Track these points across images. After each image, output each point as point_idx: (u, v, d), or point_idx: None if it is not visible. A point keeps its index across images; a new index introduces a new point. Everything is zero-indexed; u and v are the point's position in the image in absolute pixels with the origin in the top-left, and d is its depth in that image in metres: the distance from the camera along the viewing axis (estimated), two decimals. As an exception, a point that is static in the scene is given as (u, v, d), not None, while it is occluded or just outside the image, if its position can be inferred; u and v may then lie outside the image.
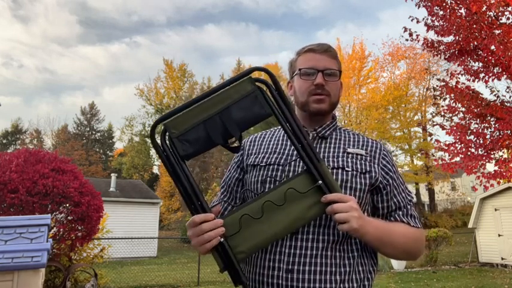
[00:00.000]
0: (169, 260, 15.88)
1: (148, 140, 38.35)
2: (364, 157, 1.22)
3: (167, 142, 1.02)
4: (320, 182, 1.02)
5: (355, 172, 1.18)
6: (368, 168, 1.20)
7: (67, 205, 6.49)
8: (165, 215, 28.73)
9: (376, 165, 1.22)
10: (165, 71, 35.84)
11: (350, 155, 1.22)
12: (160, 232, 23.26)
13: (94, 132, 41.97)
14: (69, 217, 6.55)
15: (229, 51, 64.23)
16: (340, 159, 1.20)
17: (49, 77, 62.34)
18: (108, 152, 42.85)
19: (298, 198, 1.02)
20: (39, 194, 6.20)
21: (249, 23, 65.59)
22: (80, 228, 6.61)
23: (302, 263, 1.08)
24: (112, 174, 19.91)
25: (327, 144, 1.25)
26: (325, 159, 1.20)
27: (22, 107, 61.00)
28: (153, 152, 39.30)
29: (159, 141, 1.02)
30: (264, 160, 1.25)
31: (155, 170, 39.40)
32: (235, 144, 1.05)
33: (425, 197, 29.52)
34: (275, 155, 1.25)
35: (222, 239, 0.98)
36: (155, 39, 61.20)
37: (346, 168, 1.18)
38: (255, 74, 1.11)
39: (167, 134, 1.02)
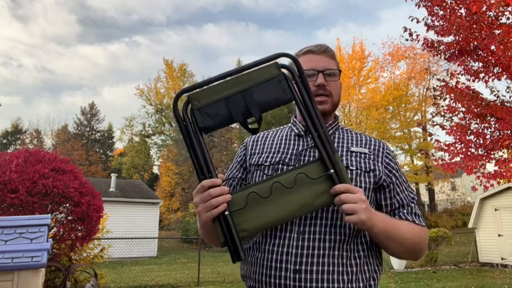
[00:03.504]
0: (169, 260, 15.88)
1: (148, 140, 38.50)
2: (367, 155, 1.22)
3: (188, 113, 1.05)
4: (332, 170, 1.02)
5: (359, 171, 1.18)
6: (372, 167, 1.20)
7: (67, 205, 6.48)
8: (165, 215, 28.74)
9: (379, 164, 1.22)
10: (165, 71, 35.86)
11: (354, 154, 1.22)
12: (160, 232, 23.28)
13: (94, 132, 41.96)
14: (69, 217, 6.54)
15: (229, 51, 64.29)
16: (344, 158, 1.20)
17: (48, 76, 62.40)
18: (108, 152, 42.84)
19: (308, 184, 1.02)
20: (39, 194, 6.19)
21: (248, 22, 65.64)
22: (80, 228, 6.60)
23: (310, 263, 1.07)
24: (112, 174, 19.91)
25: None
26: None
27: (22, 106, 61.07)
28: (153, 152, 39.38)
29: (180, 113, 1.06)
30: (268, 159, 1.24)
31: (155, 170, 39.43)
32: (255, 126, 1.07)
33: (425, 197, 29.53)
34: (279, 154, 1.25)
35: (227, 212, 0.98)
36: (155, 39, 61.25)
37: (351, 167, 1.18)
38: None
39: (189, 105, 1.05)
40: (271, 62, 1.07)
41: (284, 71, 1.08)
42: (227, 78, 1.06)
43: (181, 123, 1.04)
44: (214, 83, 1.06)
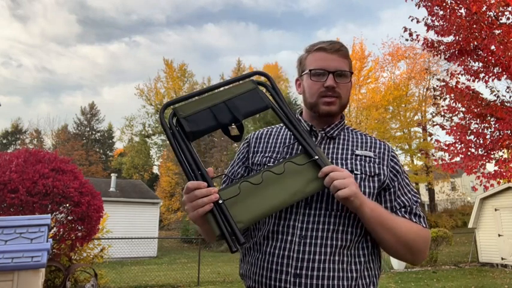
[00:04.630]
0: (169, 260, 15.89)
1: (148, 140, 38.48)
2: (372, 159, 1.21)
3: (174, 122, 1.09)
4: (316, 157, 1.08)
5: (363, 175, 1.16)
6: (377, 171, 1.18)
7: (67, 205, 6.48)
8: (165, 215, 28.74)
9: (385, 167, 1.20)
10: (165, 71, 35.85)
11: (358, 157, 1.20)
12: (160, 232, 23.27)
13: (94, 132, 41.96)
14: (69, 217, 6.54)
15: (229, 51, 64.29)
16: (348, 161, 1.19)
17: (48, 76, 62.42)
18: (108, 152, 42.84)
19: (297, 171, 1.07)
20: (39, 194, 6.19)
21: (248, 22, 65.67)
22: (80, 228, 6.60)
23: (310, 268, 1.07)
24: (112, 174, 19.92)
25: (335, 145, 1.24)
26: (334, 161, 1.19)
27: (21, 106, 61.06)
28: (153, 152, 39.37)
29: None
30: (272, 160, 1.23)
31: (155, 170, 39.42)
32: (237, 133, 1.12)
33: (425, 197, 29.54)
34: (282, 155, 1.23)
35: (221, 201, 0.99)
36: (155, 39, 61.26)
37: (355, 172, 1.16)
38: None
39: (174, 117, 1.10)
40: (248, 79, 1.18)
41: (260, 87, 1.19)
42: (208, 93, 1.14)
43: (167, 130, 1.08)
44: (197, 97, 1.14)
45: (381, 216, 1.09)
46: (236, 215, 0.99)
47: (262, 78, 1.27)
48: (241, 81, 1.18)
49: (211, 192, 0.98)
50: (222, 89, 1.15)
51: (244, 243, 0.97)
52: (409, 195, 1.21)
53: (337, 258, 1.08)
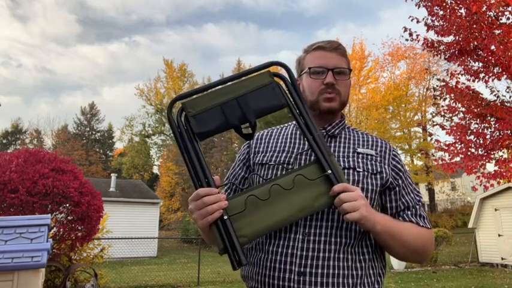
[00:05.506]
0: (169, 260, 15.89)
1: (148, 140, 38.48)
2: (374, 157, 1.21)
3: (183, 120, 1.04)
4: (329, 171, 1.02)
5: (366, 173, 1.16)
6: (379, 169, 1.18)
7: (67, 205, 6.48)
8: (165, 215, 28.75)
9: (386, 166, 1.20)
10: (165, 70, 35.84)
11: (360, 155, 1.20)
12: (160, 232, 23.27)
13: (94, 132, 41.96)
14: (69, 217, 6.54)
15: (229, 51, 64.28)
16: (350, 159, 1.19)
17: (48, 76, 62.40)
18: (108, 152, 42.84)
19: (307, 185, 1.02)
20: (39, 194, 6.19)
21: (248, 22, 65.64)
22: (80, 228, 6.60)
23: (315, 266, 1.06)
24: (112, 174, 19.92)
25: (337, 143, 1.24)
26: (336, 159, 1.17)
27: (21, 106, 61.04)
28: (153, 152, 39.36)
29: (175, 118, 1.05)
30: (273, 159, 1.22)
31: (155, 170, 39.43)
32: (249, 131, 1.07)
33: (425, 197, 29.51)
34: (284, 154, 1.22)
35: (226, 216, 0.96)
36: (155, 39, 61.24)
37: (358, 169, 1.16)
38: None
39: (183, 112, 1.04)
40: (264, 71, 1.10)
41: (277, 79, 1.10)
42: (221, 86, 1.07)
43: (175, 129, 1.03)
44: (209, 91, 1.07)
45: (392, 231, 1.09)
46: (240, 228, 0.98)
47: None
48: (256, 73, 1.09)
49: (220, 199, 0.97)
50: (235, 81, 1.08)
51: (246, 265, 0.97)
52: (412, 195, 1.21)
53: (341, 255, 1.08)
